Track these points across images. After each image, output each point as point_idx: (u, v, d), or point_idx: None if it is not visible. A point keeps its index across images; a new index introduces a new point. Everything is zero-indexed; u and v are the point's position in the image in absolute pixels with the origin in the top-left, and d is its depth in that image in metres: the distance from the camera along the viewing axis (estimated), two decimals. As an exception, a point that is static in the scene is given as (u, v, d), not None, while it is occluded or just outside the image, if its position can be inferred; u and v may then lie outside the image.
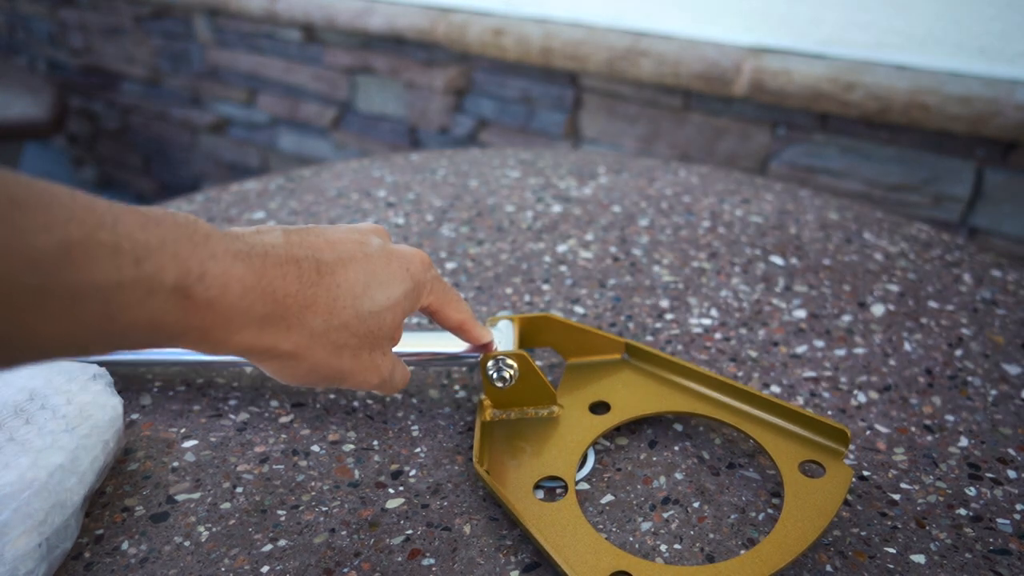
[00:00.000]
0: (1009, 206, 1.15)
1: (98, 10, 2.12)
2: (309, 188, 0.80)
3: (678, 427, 0.48)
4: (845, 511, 0.42)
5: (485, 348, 0.46)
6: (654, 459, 0.46)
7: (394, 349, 0.46)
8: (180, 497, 0.43)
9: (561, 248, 0.69)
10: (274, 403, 0.50)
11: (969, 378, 0.53)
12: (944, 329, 0.58)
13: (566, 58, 1.39)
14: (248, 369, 0.53)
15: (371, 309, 0.35)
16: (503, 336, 0.48)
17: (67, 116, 2.00)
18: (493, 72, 1.54)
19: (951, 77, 1.13)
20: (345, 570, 0.39)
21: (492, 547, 0.40)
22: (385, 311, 0.36)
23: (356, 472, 0.45)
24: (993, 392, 0.52)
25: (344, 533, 0.41)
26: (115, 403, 0.44)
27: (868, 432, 0.48)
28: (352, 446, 0.47)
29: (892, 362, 0.54)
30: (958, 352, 0.55)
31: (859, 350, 0.55)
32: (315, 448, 0.47)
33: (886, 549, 0.40)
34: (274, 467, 0.45)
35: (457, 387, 0.52)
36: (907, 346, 0.56)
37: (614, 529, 0.41)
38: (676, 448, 0.47)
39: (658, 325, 0.58)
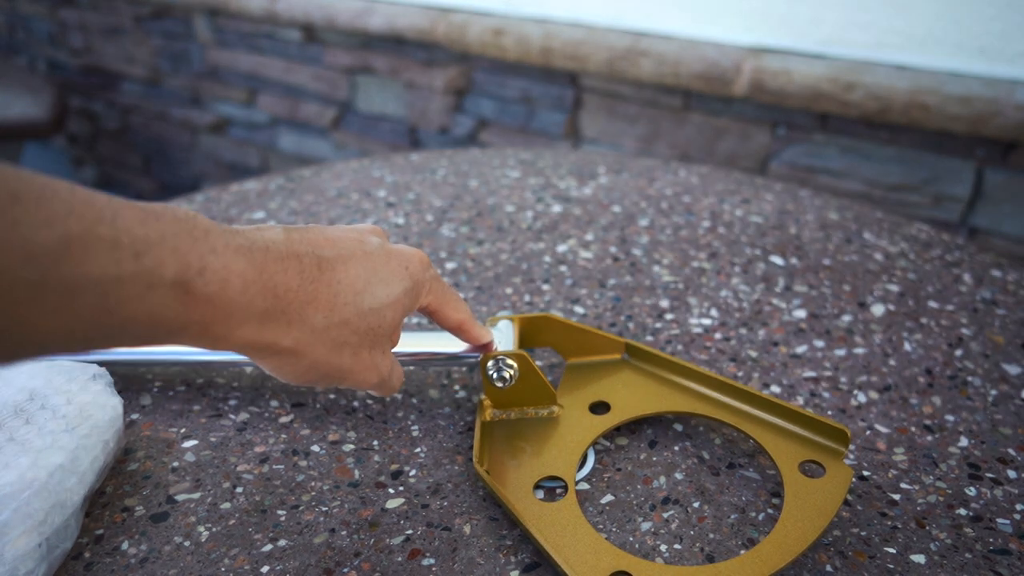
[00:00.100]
0: (1009, 206, 1.15)
1: (98, 10, 2.12)
2: (309, 188, 0.80)
3: (678, 427, 0.48)
4: (845, 511, 0.42)
5: (485, 348, 0.46)
6: (654, 459, 0.46)
7: (394, 349, 0.47)
8: (180, 497, 0.43)
9: (561, 248, 0.69)
10: (274, 403, 0.50)
11: (969, 378, 0.53)
12: (944, 329, 0.58)
13: (566, 58, 1.39)
14: (248, 369, 0.53)
15: (372, 306, 0.35)
16: (503, 336, 0.48)
17: (67, 116, 2.00)
18: (493, 72, 1.54)
19: (951, 77, 1.13)
20: (345, 570, 0.39)
21: (492, 547, 0.40)
22: (385, 308, 0.36)
23: (356, 472, 0.45)
24: (993, 392, 0.52)
25: (344, 533, 0.41)
26: (115, 403, 0.44)
27: (868, 432, 0.48)
28: (352, 446, 0.47)
29: (892, 362, 0.54)
30: (958, 352, 0.55)
31: (859, 350, 0.55)
32: (315, 448, 0.47)
33: (886, 549, 0.40)
34: (274, 467, 0.45)
35: (457, 387, 0.52)
36: (907, 346, 0.56)
37: (614, 529, 0.41)
38: (676, 448, 0.47)
39: (658, 325, 0.58)
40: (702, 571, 0.37)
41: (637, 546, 0.40)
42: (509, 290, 0.62)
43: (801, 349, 0.55)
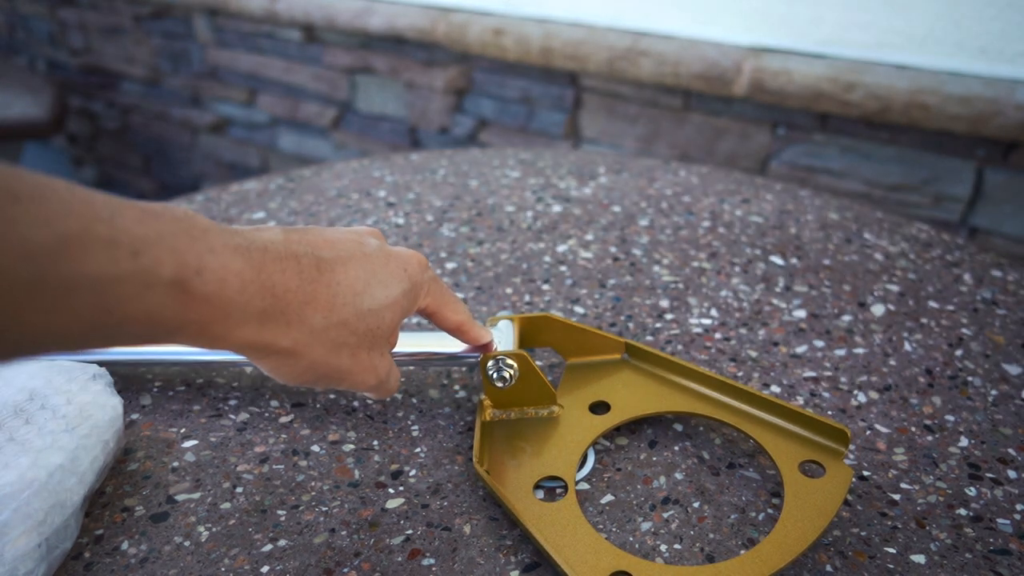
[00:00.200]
0: (1009, 206, 1.15)
1: (98, 10, 2.12)
2: (309, 188, 0.80)
3: (678, 427, 0.48)
4: (845, 511, 0.42)
5: (485, 348, 0.46)
6: (654, 459, 0.46)
7: (394, 349, 0.46)
8: (180, 497, 0.43)
9: (561, 248, 0.69)
10: (274, 403, 0.50)
11: (969, 378, 0.53)
12: (944, 329, 0.58)
13: (566, 58, 1.39)
14: (248, 369, 0.53)
15: (370, 307, 0.35)
16: (503, 336, 0.48)
17: (67, 116, 2.00)
18: (493, 72, 1.54)
19: (951, 77, 1.13)
20: (345, 570, 0.39)
21: (492, 547, 0.40)
22: (384, 310, 0.36)
23: (356, 472, 0.45)
24: (993, 392, 0.52)
25: (344, 533, 0.41)
26: (115, 403, 0.44)
27: (868, 432, 0.48)
28: (352, 446, 0.47)
29: (892, 362, 0.54)
30: (958, 352, 0.55)
31: (859, 350, 0.55)
32: (315, 448, 0.47)
33: (886, 549, 0.40)
34: (274, 467, 0.45)
35: (457, 387, 0.52)
36: (907, 346, 0.56)
37: (614, 529, 0.41)
38: (676, 448, 0.47)
39: (658, 325, 0.58)
40: (702, 571, 0.37)
41: (637, 546, 0.40)
42: (509, 290, 0.62)
43: (801, 349, 0.55)
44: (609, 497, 0.43)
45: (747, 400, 0.46)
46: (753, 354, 0.55)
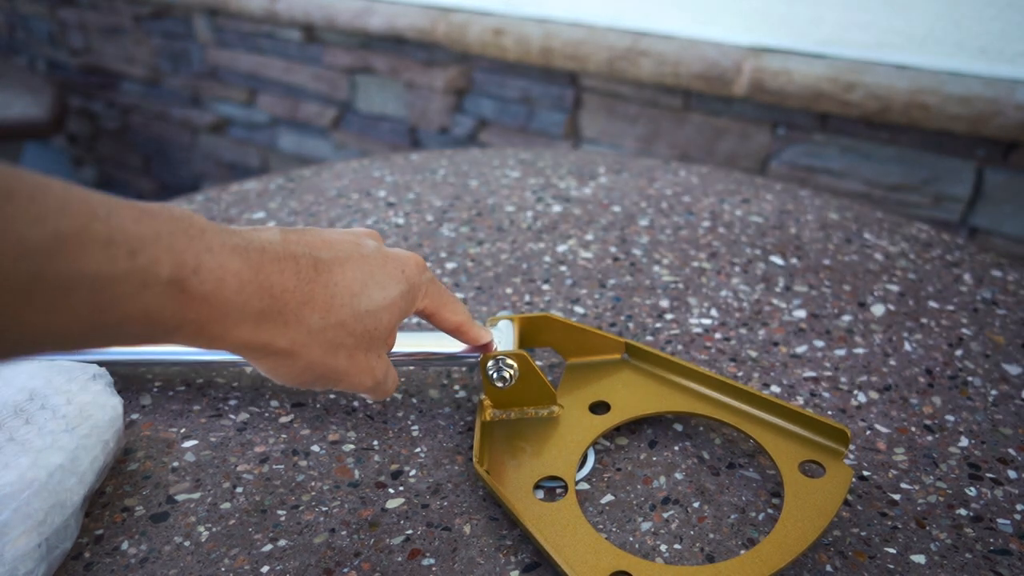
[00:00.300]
0: (1009, 206, 1.15)
1: (98, 10, 2.12)
2: (309, 188, 0.80)
3: (678, 427, 0.48)
4: (845, 511, 0.42)
5: (485, 348, 0.46)
6: (654, 459, 0.46)
7: (394, 348, 0.46)
8: (180, 497, 0.43)
9: (561, 248, 0.69)
10: (274, 403, 0.50)
11: (969, 378, 0.53)
12: (944, 329, 0.58)
13: (566, 58, 1.39)
14: (248, 369, 0.53)
15: (368, 308, 0.35)
16: (503, 336, 0.48)
17: (67, 116, 2.00)
18: (493, 72, 1.54)
19: (951, 77, 1.13)
20: (345, 570, 0.39)
21: (492, 547, 0.40)
22: (382, 311, 0.36)
23: (356, 472, 0.45)
24: (993, 392, 0.52)
25: (344, 533, 0.41)
26: (115, 403, 0.44)
27: (868, 432, 0.48)
28: (352, 446, 0.47)
29: (892, 362, 0.54)
30: (958, 352, 0.55)
31: (859, 350, 0.55)
32: (315, 448, 0.47)
33: (886, 549, 0.40)
34: (274, 467, 0.45)
35: (457, 387, 0.52)
36: (907, 346, 0.56)
37: (614, 529, 0.41)
38: (676, 448, 0.47)
39: (658, 325, 0.58)
40: (702, 571, 0.37)
41: (637, 546, 0.40)
42: (509, 290, 0.62)
43: (801, 349, 0.55)
44: (609, 497, 0.43)
45: (747, 400, 0.46)
46: (753, 354, 0.55)
